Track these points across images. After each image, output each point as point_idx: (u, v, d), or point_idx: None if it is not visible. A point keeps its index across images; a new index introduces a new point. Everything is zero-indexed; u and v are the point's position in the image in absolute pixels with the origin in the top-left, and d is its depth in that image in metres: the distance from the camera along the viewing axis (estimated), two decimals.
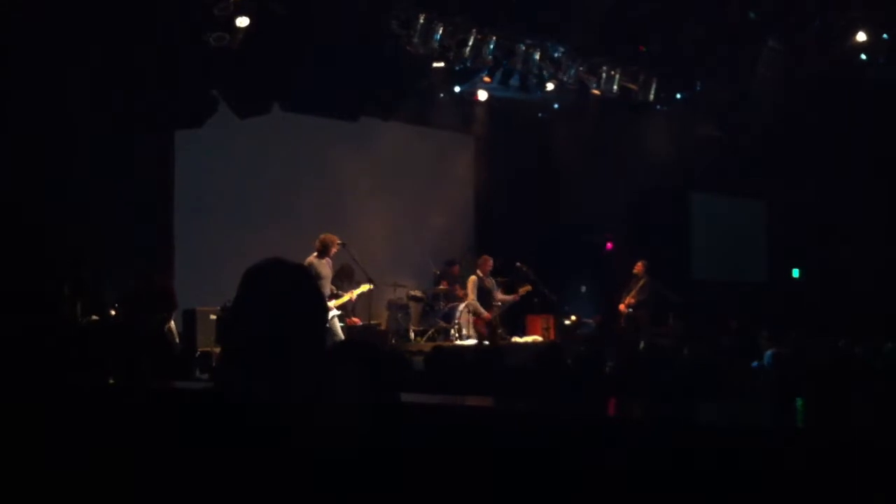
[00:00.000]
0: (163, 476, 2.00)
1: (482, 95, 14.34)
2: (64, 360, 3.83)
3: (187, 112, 11.48)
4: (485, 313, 12.33)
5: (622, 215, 14.89)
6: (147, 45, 10.12)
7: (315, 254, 10.53)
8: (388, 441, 2.09)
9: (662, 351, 7.31)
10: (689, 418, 2.53)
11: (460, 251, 14.23)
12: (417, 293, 13.55)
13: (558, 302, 13.58)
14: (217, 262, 10.44)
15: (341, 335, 10.66)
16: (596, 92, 13.53)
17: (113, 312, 9.95)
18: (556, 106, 14.90)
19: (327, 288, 10.64)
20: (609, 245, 16.12)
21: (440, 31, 11.74)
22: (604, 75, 13.45)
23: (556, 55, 13.05)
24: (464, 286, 12.97)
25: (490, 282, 12.62)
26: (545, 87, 13.41)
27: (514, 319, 13.46)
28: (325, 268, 10.56)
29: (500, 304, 12.58)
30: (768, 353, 6.53)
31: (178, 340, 10.32)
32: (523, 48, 12.68)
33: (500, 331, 12.61)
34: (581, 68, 13.29)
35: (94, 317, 9.74)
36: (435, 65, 12.45)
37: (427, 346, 11.00)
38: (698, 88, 14.15)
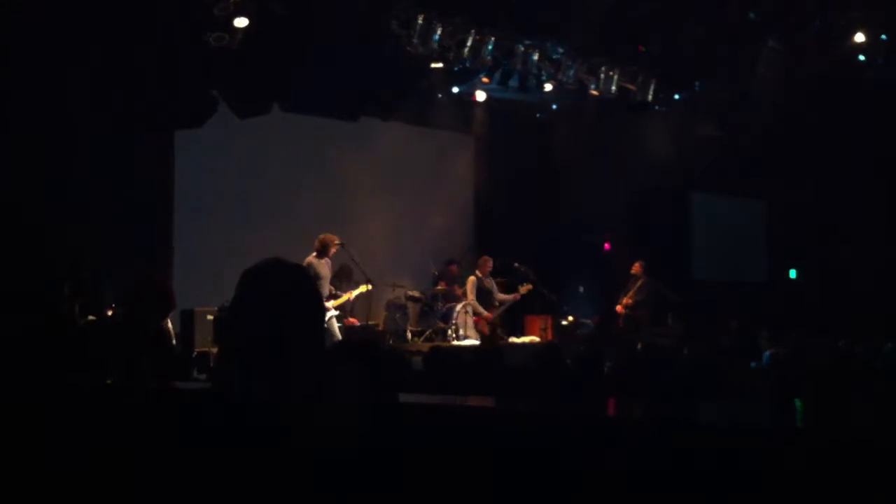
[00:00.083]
0: (162, 476, 2.00)
1: (481, 96, 14.34)
2: (64, 360, 3.83)
3: (187, 112, 11.48)
4: (485, 313, 12.38)
5: (622, 215, 14.89)
6: (147, 45, 10.12)
7: (314, 254, 10.53)
8: (387, 441, 2.09)
9: (662, 351, 7.30)
10: (689, 418, 2.53)
11: (460, 251, 14.23)
12: (416, 293, 13.55)
13: (557, 302, 13.58)
14: (216, 262, 10.43)
15: (338, 335, 10.66)
16: (595, 92, 13.53)
17: (110, 312, 9.95)
18: (554, 106, 14.91)
19: (326, 288, 10.64)
20: (608, 245, 16.12)
21: (439, 32, 11.74)
22: (603, 76, 13.45)
23: (555, 56, 13.05)
24: (462, 286, 13.00)
25: (489, 282, 12.63)
26: (544, 87, 13.41)
27: (513, 320, 13.46)
28: (324, 268, 10.57)
29: (500, 303, 12.61)
30: (767, 353, 6.53)
31: (174, 341, 10.31)
32: (522, 48, 12.68)
33: (498, 331, 12.63)
34: (580, 69, 13.29)
35: (94, 317, 9.73)
36: (434, 65, 12.45)
37: (425, 347, 10.98)
38: (698, 88, 14.15)
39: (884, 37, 12.47)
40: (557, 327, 13.87)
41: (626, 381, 5.92)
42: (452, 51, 12.06)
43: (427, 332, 12.76)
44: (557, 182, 15.13)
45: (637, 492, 2.01)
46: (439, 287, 13.45)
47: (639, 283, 13.53)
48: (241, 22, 10.20)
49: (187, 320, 10.91)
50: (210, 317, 10.75)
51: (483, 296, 12.53)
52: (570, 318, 14.47)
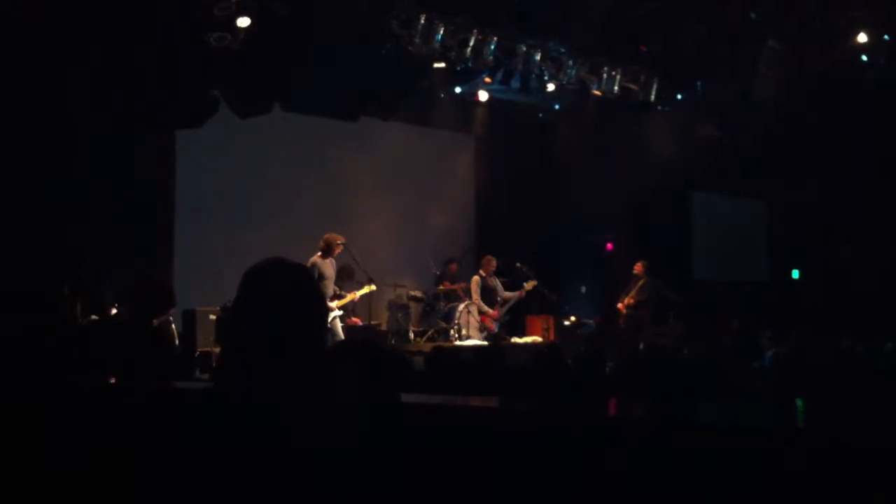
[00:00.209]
0: (163, 476, 2.00)
1: (483, 96, 14.35)
2: (64, 360, 3.83)
3: (188, 112, 11.49)
4: (490, 311, 12.43)
5: (622, 215, 14.89)
6: (147, 45, 10.12)
7: (319, 253, 10.54)
8: (388, 441, 2.09)
9: (662, 351, 7.30)
10: (689, 418, 2.53)
11: (460, 251, 14.23)
12: (417, 293, 13.56)
13: (558, 302, 13.59)
14: (217, 262, 10.44)
15: (342, 336, 10.68)
16: (597, 92, 13.54)
17: (114, 311, 9.95)
18: (556, 106, 14.91)
19: (330, 288, 10.65)
20: (609, 245, 16.12)
21: (441, 32, 11.75)
22: (605, 75, 13.46)
23: (556, 55, 13.05)
24: (455, 282, 13.07)
25: (493, 281, 12.66)
26: (546, 87, 13.42)
27: (514, 320, 13.46)
28: (329, 268, 10.59)
29: (505, 301, 12.64)
30: (769, 353, 6.53)
31: (177, 341, 10.32)
32: (524, 48, 12.68)
33: (499, 331, 12.67)
34: (582, 69, 13.30)
35: (94, 317, 9.74)
36: (436, 65, 12.46)
37: (427, 347, 11.00)
38: (699, 88, 14.15)
39: (886, 37, 12.47)
40: (559, 327, 13.87)
41: (626, 381, 5.92)
42: (454, 51, 12.07)
43: (429, 332, 12.78)
44: (558, 182, 15.13)
45: (637, 492, 2.01)
46: (441, 287, 13.46)
47: (640, 283, 13.53)
48: (242, 22, 10.21)
49: (189, 320, 10.92)
50: (212, 316, 10.75)
51: (487, 295, 12.56)
52: (572, 318, 14.46)
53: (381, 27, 11.41)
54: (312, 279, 2.31)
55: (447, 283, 13.46)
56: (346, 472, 1.96)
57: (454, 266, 13.72)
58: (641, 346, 8.86)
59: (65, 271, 9.61)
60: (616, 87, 13.58)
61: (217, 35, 10.19)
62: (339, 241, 10.64)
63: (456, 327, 12.25)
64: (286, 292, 2.13)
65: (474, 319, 12.36)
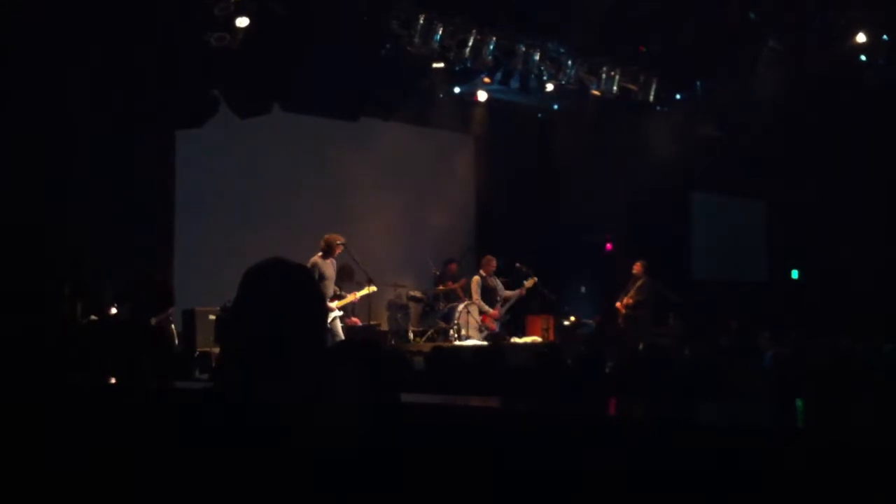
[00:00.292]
0: (163, 476, 2.00)
1: (482, 96, 14.35)
2: (64, 360, 3.83)
3: (188, 112, 11.49)
4: (491, 311, 12.44)
5: (622, 215, 14.89)
6: (147, 45, 10.12)
7: (320, 254, 10.55)
8: (388, 441, 2.09)
9: (662, 351, 7.30)
10: (689, 418, 2.53)
11: (460, 251, 14.23)
12: (417, 294, 13.57)
13: (558, 302, 13.59)
14: (217, 262, 10.45)
15: (342, 336, 10.68)
16: (596, 92, 13.54)
17: (114, 311, 9.97)
18: (555, 106, 14.92)
19: (331, 288, 10.66)
20: (609, 246, 16.13)
21: (440, 32, 11.75)
22: (604, 76, 13.46)
23: (555, 56, 13.06)
24: (456, 281, 13.07)
25: (493, 281, 12.67)
26: (545, 87, 13.42)
27: (514, 319, 13.47)
28: (330, 268, 10.60)
29: (505, 300, 12.65)
30: (768, 354, 6.53)
31: (177, 341, 10.33)
32: (523, 49, 12.69)
33: (500, 331, 12.67)
34: (581, 69, 13.30)
35: (94, 317, 9.75)
36: (435, 65, 12.46)
37: (426, 347, 11.00)
38: (698, 88, 14.16)
39: (885, 37, 12.47)
40: (559, 327, 13.87)
41: (626, 381, 5.92)
42: (453, 51, 12.07)
43: (429, 333, 12.78)
44: (558, 182, 15.13)
45: (637, 492, 2.01)
46: (441, 287, 13.46)
47: (639, 282, 13.53)
48: (242, 22, 10.21)
49: (189, 320, 10.94)
50: (212, 316, 10.77)
51: (488, 294, 12.57)
52: (572, 318, 14.47)
53: (381, 27, 11.42)
54: (312, 279, 2.31)
55: (450, 283, 13.47)
56: (346, 472, 1.96)
57: (454, 266, 13.72)
58: (641, 346, 8.86)
59: (65, 271, 9.62)
60: (615, 88, 13.58)
61: (217, 35, 10.19)
62: (339, 242, 10.64)
63: (455, 327, 12.25)
64: (286, 292, 2.13)
65: (474, 319, 12.36)
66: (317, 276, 10.22)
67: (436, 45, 11.80)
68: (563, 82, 13.29)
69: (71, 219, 10.05)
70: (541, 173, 15.40)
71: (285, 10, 10.47)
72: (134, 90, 10.39)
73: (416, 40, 11.59)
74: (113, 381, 3.53)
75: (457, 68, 12.62)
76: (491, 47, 12.29)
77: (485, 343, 11.76)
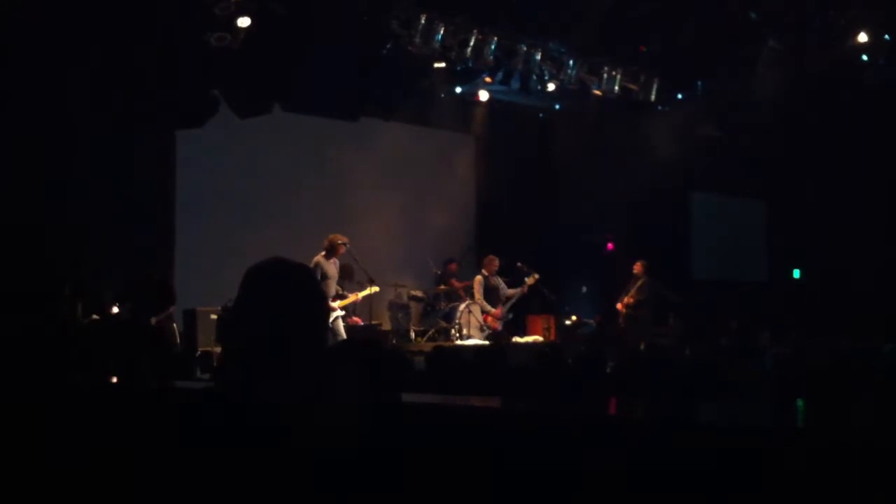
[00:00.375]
0: (163, 476, 2.00)
1: (483, 96, 14.36)
2: (64, 360, 3.83)
3: (188, 112, 11.49)
4: (493, 310, 12.44)
5: (622, 215, 14.88)
6: (147, 45, 10.12)
7: (323, 253, 10.56)
8: (388, 441, 2.09)
9: (662, 351, 7.30)
10: (689, 418, 2.53)
11: (461, 251, 14.23)
12: (418, 293, 13.57)
13: (558, 302, 13.59)
14: (217, 262, 10.45)
15: (344, 336, 10.68)
16: (597, 92, 13.54)
17: (115, 310, 9.97)
18: (556, 106, 14.92)
19: (333, 288, 10.66)
20: (609, 245, 16.13)
21: (441, 32, 11.75)
22: (605, 75, 13.46)
23: (556, 56, 13.06)
24: (460, 280, 13.07)
25: (496, 280, 12.67)
26: (546, 87, 13.42)
27: (515, 319, 13.47)
28: (332, 268, 10.60)
29: (508, 299, 12.65)
30: (768, 353, 6.53)
31: (178, 340, 10.34)
32: (524, 49, 12.69)
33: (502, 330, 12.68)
34: (582, 69, 13.30)
35: (95, 316, 9.75)
36: (436, 65, 12.46)
37: (427, 346, 11.01)
38: (698, 88, 14.15)
39: (886, 37, 12.47)
40: (559, 327, 13.87)
41: (626, 381, 5.92)
42: (454, 51, 12.07)
43: (430, 332, 12.78)
44: (558, 182, 15.13)
45: (637, 492, 2.01)
46: (442, 287, 13.46)
47: (639, 282, 13.52)
48: (242, 21, 10.21)
49: (190, 320, 10.95)
50: (213, 316, 10.78)
51: (490, 294, 12.57)
52: (573, 318, 14.47)
53: (381, 27, 11.41)
54: (313, 279, 2.31)
55: (453, 282, 13.48)
56: (347, 472, 1.96)
57: (454, 266, 13.72)
58: (642, 346, 8.86)
59: (65, 271, 9.62)
60: (616, 87, 13.58)
61: (217, 35, 10.19)
62: (341, 242, 10.65)
63: (457, 327, 12.25)
64: (287, 292, 2.13)
65: (475, 319, 12.36)
66: (319, 276, 10.23)
67: (437, 45, 11.80)
68: (564, 82, 13.29)
69: (71, 219, 10.05)
70: (541, 173, 15.40)
71: (285, 10, 10.47)
72: (134, 90, 10.39)
73: (417, 40, 11.59)
74: (113, 380, 3.54)
75: (458, 68, 12.63)
76: (492, 47, 12.29)
77: (486, 342, 11.76)
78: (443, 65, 12.47)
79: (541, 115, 15.33)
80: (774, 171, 15.07)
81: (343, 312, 10.95)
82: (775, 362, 6.29)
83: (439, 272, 13.73)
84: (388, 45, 11.64)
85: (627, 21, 12.13)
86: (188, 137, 11.83)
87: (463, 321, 12.25)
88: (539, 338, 13.08)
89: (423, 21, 11.57)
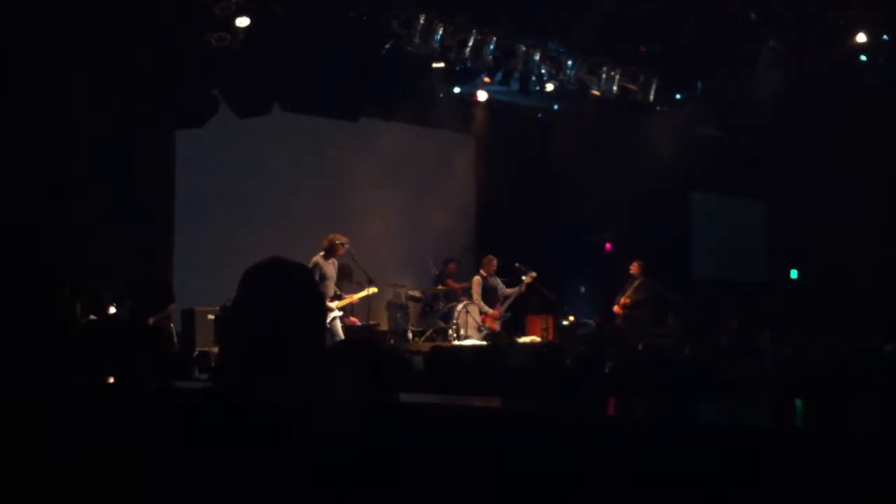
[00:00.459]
0: (163, 476, 2.00)
1: (482, 96, 14.36)
2: (64, 360, 3.83)
3: (188, 112, 11.49)
4: (491, 311, 12.44)
5: (622, 215, 14.89)
6: (147, 45, 10.12)
7: (322, 253, 10.55)
8: (388, 441, 2.09)
9: (662, 351, 7.30)
10: (689, 418, 2.53)
11: (460, 251, 14.23)
12: (416, 293, 13.57)
13: (557, 302, 13.59)
14: (216, 262, 10.45)
15: (342, 336, 10.68)
16: (596, 92, 13.54)
17: (113, 310, 9.97)
18: (556, 106, 14.92)
19: (331, 289, 10.66)
20: (608, 245, 16.13)
21: (440, 32, 11.75)
22: (604, 76, 13.46)
23: (556, 56, 13.06)
24: (458, 280, 13.05)
25: (494, 280, 12.67)
26: (545, 87, 13.42)
27: (513, 319, 13.48)
28: (331, 268, 10.60)
29: (506, 298, 12.65)
30: (768, 353, 6.53)
31: (176, 340, 10.34)
32: (523, 49, 12.69)
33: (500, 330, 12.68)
34: (581, 69, 13.30)
35: (94, 317, 9.75)
36: (435, 65, 12.46)
37: (426, 347, 11.00)
38: (698, 88, 14.15)
39: (885, 37, 12.47)
40: (559, 327, 13.87)
41: (626, 381, 5.92)
42: (454, 51, 12.07)
43: (428, 332, 12.78)
44: (558, 182, 15.13)
45: (637, 492, 2.01)
46: (440, 287, 13.46)
47: (636, 282, 13.51)
48: (242, 21, 10.21)
49: (188, 320, 10.94)
50: (211, 316, 10.78)
51: (489, 294, 12.57)
52: (572, 318, 14.47)
53: (381, 27, 11.41)
54: (312, 279, 2.31)
55: (450, 282, 13.48)
56: (346, 472, 1.96)
57: (453, 266, 13.73)
58: (641, 347, 8.86)
59: (65, 271, 9.62)
60: (615, 88, 13.59)
61: (217, 35, 10.19)
62: (339, 242, 10.64)
63: (454, 327, 12.26)
64: (286, 292, 2.13)
65: (473, 319, 12.36)
66: (318, 276, 10.23)
67: (436, 45, 11.80)
68: (564, 82, 13.29)
69: (71, 219, 10.05)
70: (541, 173, 15.40)
71: (285, 10, 10.47)
72: (134, 90, 10.39)
73: (417, 40, 11.59)
74: (113, 380, 3.53)
75: (457, 68, 12.63)
76: (491, 47, 12.29)
77: (484, 343, 11.76)
78: (442, 65, 12.47)
79: (540, 115, 15.33)
80: (774, 171, 15.07)
81: (341, 313, 10.95)
82: (775, 362, 6.29)
83: (438, 272, 13.73)
84: (388, 45, 11.64)
85: (627, 21, 12.13)
86: (188, 137, 11.83)
87: (461, 321, 12.26)
88: (537, 338, 13.09)
89: (422, 21, 11.57)
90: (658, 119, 14.01)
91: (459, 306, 12.43)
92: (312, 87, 11.99)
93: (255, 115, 11.69)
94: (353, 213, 12.95)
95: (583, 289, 15.33)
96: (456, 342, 11.90)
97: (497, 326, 12.55)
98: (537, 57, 12.84)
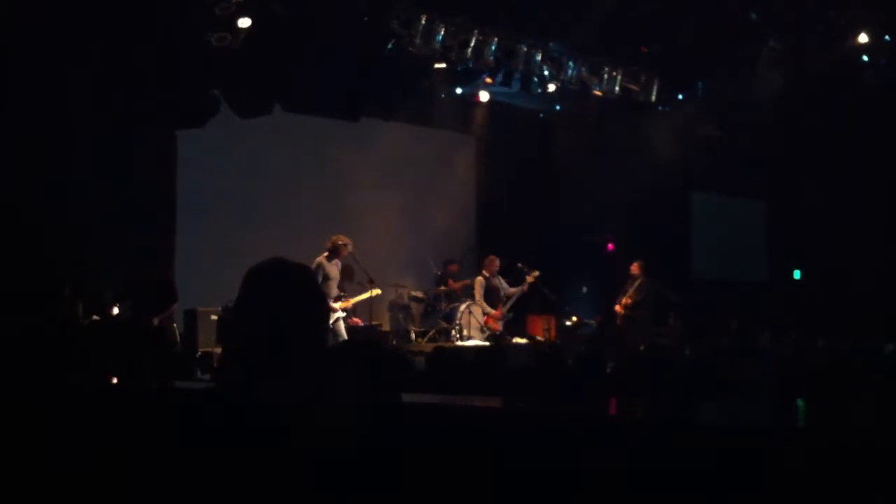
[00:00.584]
0: (163, 476, 2.00)
1: (483, 96, 14.36)
2: (64, 360, 3.83)
3: (188, 112, 11.49)
4: (493, 311, 12.45)
5: (622, 215, 14.89)
6: (147, 45, 10.12)
7: (325, 254, 10.55)
8: (388, 441, 2.09)
9: (662, 351, 7.30)
10: (689, 418, 2.53)
11: (461, 251, 14.23)
12: (418, 294, 13.57)
13: (559, 302, 13.59)
14: (217, 262, 10.45)
15: (345, 337, 10.68)
16: (597, 93, 13.54)
17: (116, 311, 9.97)
18: (557, 107, 14.92)
19: (334, 289, 10.66)
20: (609, 246, 16.13)
21: (442, 32, 11.75)
22: (605, 76, 13.46)
23: (557, 56, 13.06)
24: (458, 280, 13.06)
25: (496, 281, 12.68)
26: (546, 88, 13.42)
27: (515, 319, 13.47)
28: (334, 269, 10.61)
29: (509, 297, 12.65)
30: (769, 353, 6.54)
31: (179, 340, 10.33)
32: (524, 49, 12.69)
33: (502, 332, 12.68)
34: (582, 69, 13.30)
35: (95, 317, 9.75)
36: (436, 65, 12.46)
37: (428, 347, 11.00)
38: (698, 88, 14.15)
39: (886, 37, 12.46)
40: (560, 327, 13.87)
41: (626, 381, 5.92)
42: (455, 51, 12.07)
43: (430, 333, 12.77)
44: (558, 182, 15.14)
45: (637, 492, 2.01)
46: (442, 287, 13.46)
47: (637, 283, 13.51)
48: (242, 22, 10.21)
49: (190, 320, 10.95)
50: (213, 317, 10.78)
51: (491, 294, 12.57)
52: (573, 318, 14.47)
53: (381, 27, 11.41)
54: (313, 279, 2.31)
55: (451, 282, 13.48)
56: (347, 472, 1.96)
57: (455, 266, 13.73)
58: (641, 347, 8.86)
59: (65, 271, 9.62)
60: (616, 88, 13.58)
61: (217, 35, 10.19)
62: (342, 243, 10.64)
63: (457, 328, 12.25)
64: (287, 292, 2.13)
65: (475, 320, 12.36)
66: (321, 277, 10.23)
67: (437, 46, 11.79)
68: (565, 83, 13.29)
69: (71, 219, 10.05)
70: (541, 173, 15.40)
71: (285, 10, 10.47)
72: (134, 90, 10.39)
73: (418, 40, 11.58)
74: (113, 381, 3.54)
75: (458, 69, 12.63)
76: (492, 48, 12.29)
77: (486, 343, 11.76)
78: (443, 65, 12.47)
79: (541, 115, 15.33)
80: (774, 171, 15.07)
81: (344, 314, 10.95)
82: (775, 362, 6.28)
83: (439, 273, 13.73)
84: (388, 45, 11.64)
85: (627, 21, 12.13)
86: (188, 137, 11.83)
87: (463, 322, 12.25)
88: (539, 337, 13.10)
89: (423, 21, 11.57)
90: (659, 119, 14.02)
91: (462, 307, 12.43)
92: (313, 87, 11.99)
93: (255, 115, 11.69)
94: (353, 213, 12.94)
95: (584, 289, 15.33)
96: (459, 343, 11.90)
97: (499, 328, 12.54)
98: (538, 57, 12.84)
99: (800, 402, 3.66)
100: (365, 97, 12.78)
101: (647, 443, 2.09)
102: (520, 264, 12.98)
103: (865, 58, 12.68)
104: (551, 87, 13.42)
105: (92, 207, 10.33)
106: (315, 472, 1.93)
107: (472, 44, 12.06)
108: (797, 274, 16.17)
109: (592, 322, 14.51)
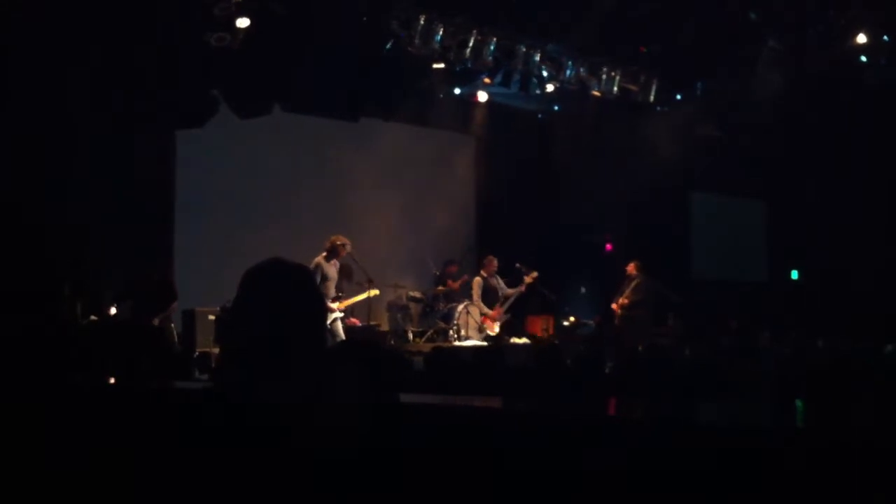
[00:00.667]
0: (163, 476, 2.00)
1: (482, 97, 14.36)
2: (64, 360, 3.83)
3: (188, 112, 11.49)
4: (490, 312, 12.45)
5: (622, 215, 14.89)
6: (147, 45, 10.12)
7: (324, 254, 10.56)
8: (388, 441, 2.09)
9: (662, 351, 7.30)
10: (689, 418, 2.53)
11: (460, 252, 14.23)
12: (417, 294, 13.57)
13: (557, 302, 13.59)
14: (217, 263, 10.44)
15: (343, 337, 10.68)
16: (596, 93, 13.54)
17: (114, 311, 9.96)
18: (556, 107, 14.92)
19: (332, 290, 10.66)
20: (609, 246, 16.13)
21: (441, 32, 11.75)
22: (604, 76, 13.46)
23: (556, 56, 13.07)
24: (457, 280, 13.06)
25: (495, 281, 12.69)
26: (545, 88, 13.42)
27: (515, 319, 13.47)
28: (332, 269, 10.61)
29: (507, 298, 12.65)
30: (768, 353, 6.54)
31: (177, 340, 10.32)
32: (524, 49, 12.69)
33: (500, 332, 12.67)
34: (581, 69, 13.31)
35: (94, 317, 9.74)
36: (435, 66, 12.47)
37: (426, 347, 11.01)
38: (698, 89, 14.15)
39: (885, 37, 12.47)
40: (559, 327, 13.88)
41: (626, 381, 5.92)
42: (454, 51, 12.08)
43: (429, 333, 12.78)
44: (558, 182, 15.14)
45: (637, 492, 2.01)
46: (441, 288, 13.46)
47: (634, 283, 13.50)
48: (242, 22, 10.21)
49: (189, 320, 10.93)
50: (212, 317, 10.76)
51: (489, 295, 12.57)
52: (572, 318, 14.47)
53: (381, 27, 11.42)
54: (312, 279, 2.31)
55: (450, 282, 13.48)
56: (346, 472, 1.96)
57: (454, 267, 13.73)
58: (641, 347, 8.86)
59: (65, 271, 9.61)
60: (615, 88, 13.59)
61: (217, 35, 10.19)
62: (341, 243, 10.64)
63: (455, 328, 12.26)
64: (286, 292, 2.13)
65: (473, 320, 12.37)
66: (319, 278, 10.24)
67: (436, 46, 11.80)
68: (564, 83, 13.29)
69: (71, 219, 10.04)
70: (541, 174, 15.40)
71: (285, 10, 10.47)
72: (134, 90, 10.38)
73: (417, 41, 11.59)
74: (113, 381, 3.53)
75: (457, 69, 12.63)
76: (491, 48, 12.29)
77: (484, 343, 11.76)
78: (442, 65, 12.47)
79: (540, 115, 15.33)
80: (774, 171, 15.07)
81: (342, 314, 10.95)
82: (775, 362, 6.29)
83: (438, 273, 13.73)
84: (388, 46, 11.64)
85: (627, 21, 12.14)
86: (188, 137, 11.83)
87: (461, 322, 12.26)
88: (538, 335, 13.11)
89: (422, 21, 11.57)
90: (658, 119, 14.02)
91: (460, 307, 12.43)
92: (312, 87, 11.99)
93: (255, 115, 11.69)
94: (353, 213, 12.94)
95: (583, 289, 15.33)
96: (457, 343, 11.90)
97: (496, 328, 12.54)
98: (537, 57, 12.85)
99: (799, 403, 3.66)
100: (365, 97, 12.78)
101: (646, 443, 2.09)
102: (518, 265, 12.99)
103: (865, 58, 12.68)
104: (550, 88, 13.43)
105: (92, 207, 10.32)
106: (314, 472, 1.93)
107: (471, 44, 12.07)
108: (795, 274, 16.17)
109: (591, 322, 14.51)
